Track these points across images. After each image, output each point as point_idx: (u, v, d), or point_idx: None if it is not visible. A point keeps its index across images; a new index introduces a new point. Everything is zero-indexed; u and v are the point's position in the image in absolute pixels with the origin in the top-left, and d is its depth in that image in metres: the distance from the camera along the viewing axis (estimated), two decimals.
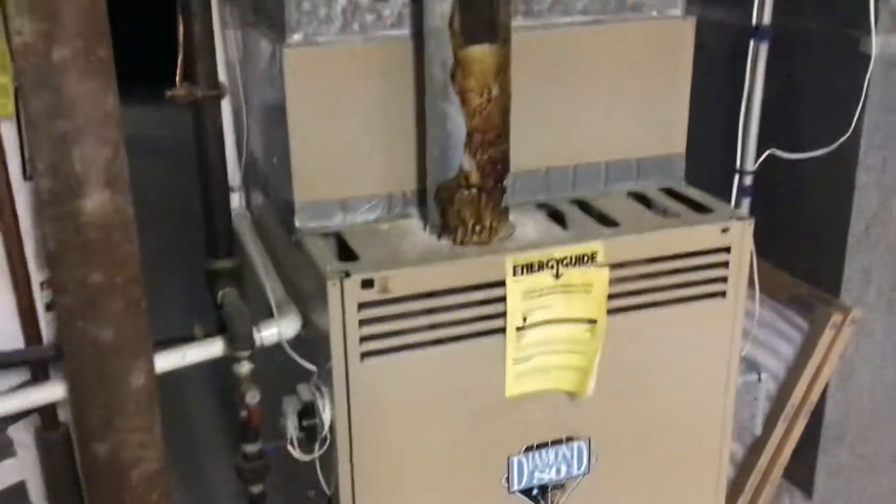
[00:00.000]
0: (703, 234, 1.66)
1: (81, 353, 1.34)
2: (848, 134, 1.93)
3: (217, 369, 1.70)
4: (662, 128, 1.79)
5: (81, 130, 1.20)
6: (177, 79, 1.49)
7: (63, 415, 1.68)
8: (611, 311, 1.60)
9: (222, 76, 1.71)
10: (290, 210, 1.63)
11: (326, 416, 1.53)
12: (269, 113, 1.70)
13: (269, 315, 1.65)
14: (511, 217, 1.64)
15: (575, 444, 1.69)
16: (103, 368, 1.34)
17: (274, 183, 1.76)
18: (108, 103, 1.22)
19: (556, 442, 1.68)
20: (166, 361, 1.55)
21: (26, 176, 1.57)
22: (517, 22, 1.58)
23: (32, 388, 1.57)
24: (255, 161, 1.94)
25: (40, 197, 1.24)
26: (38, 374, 1.62)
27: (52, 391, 1.55)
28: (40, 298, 1.62)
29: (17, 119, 1.53)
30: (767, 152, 2.02)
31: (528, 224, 1.67)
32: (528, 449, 1.66)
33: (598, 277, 1.58)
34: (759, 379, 1.91)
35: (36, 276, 1.60)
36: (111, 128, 1.24)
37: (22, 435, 1.67)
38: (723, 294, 1.70)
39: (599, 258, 1.58)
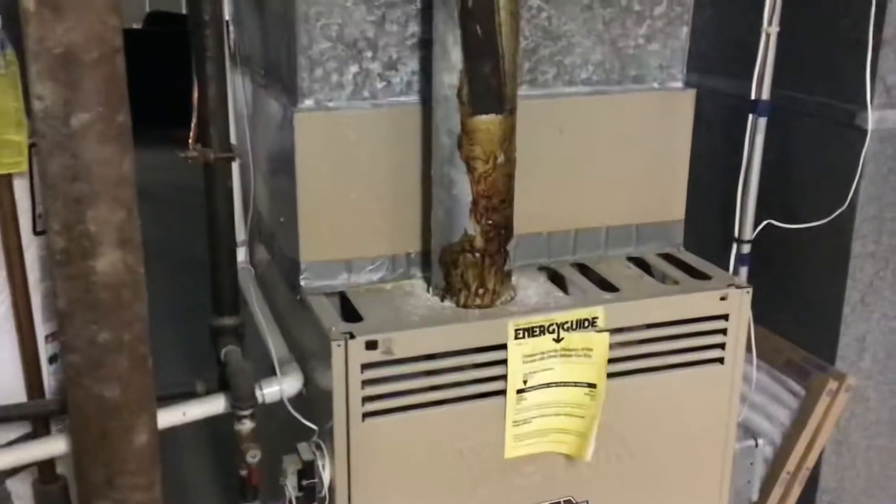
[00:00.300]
0: (702, 301, 1.68)
1: (86, 410, 1.35)
2: (844, 206, 1.97)
3: (210, 421, 1.70)
4: (662, 195, 1.83)
5: (97, 193, 1.23)
6: (190, 141, 1.52)
7: (61, 468, 1.68)
8: (610, 376, 1.62)
9: (232, 136, 1.75)
10: (295, 268, 1.65)
11: (326, 476, 1.54)
12: (277, 173, 1.74)
13: (271, 372, 1.67)
14: (513, 279, 1.66)
15: None
16: (107, 426, 1.35)
17: (280, 241, 1.78)
18: (124, 167, 1.25)
19: None
20: (168, 418, 1.56)
21: (36, 231, 1.59)
22: (522, 91, 1.62)
23: (34, 443, 1.58)
24: (260, 218, 1.97)
25: (54, 257, 1.26)
26: (39, 428, 1.62)
27: (54, 446, 1.56)
28: (44, 351, 1.63)
29: (29, 175, 1.56)
30: (765, 223, 2.06)
31: (530, 287, 1.69)
32: None
33: (599, 342, 1.60)
34: (756, 444, 1.92)
35: (41, 329, 1.62)
36: (126, 190, 1.26)
37: (20, 487, 1.67)
38: (721, 360, 1.72)
39: (600, 323, 1.60)
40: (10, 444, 1.61)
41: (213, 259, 1.68)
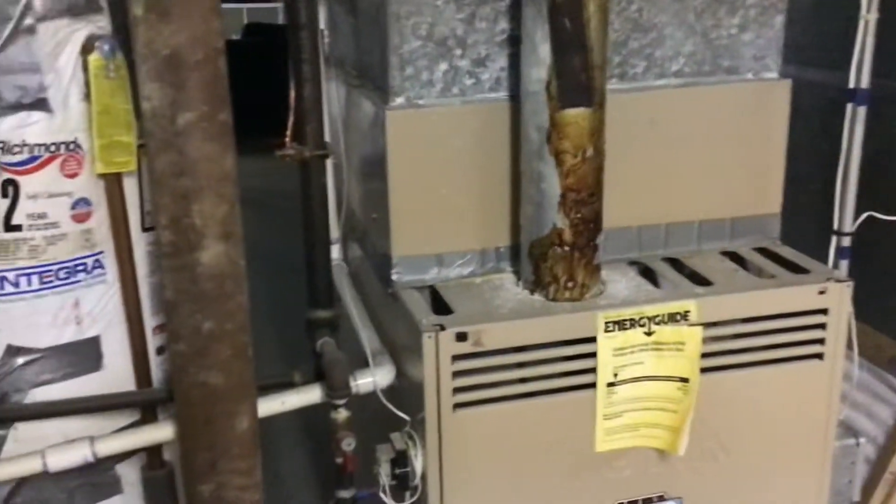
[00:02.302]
0: (799, 296, 1.65)
1: (191, 397, 1.42)
2: None
3: (299, 413, 1.74)
4: (757, 188, 1.79)
5: (202, 188, 1.29)
6: (287, 139, 1.58)
7: (167, 455, 1.76)
8: (704, 370, 1.60)
9: (326, 136, 1.80)
10: (387, 263, 1.69)
11: (418, 465, 1.57)
12: (369, 170, 1.78)
13: (364, 365, 1.71)
14: (603, 274, 1.66)
15: None
16: (211, 412, 1.42)
17: (372, 237, 1.83)
18: (227, 163, 1.31)
19: (647, 500, 1.67)
20: (267, 407, 1.62)
21: (144, 227, 1.67)
22: (612, 85, 1.62)
23: (142, 429, 1.66)
24: (352, 215, 2.02)
25: (161, 249, 1.33)
26: (148, 415, 1.70)
27: (160, 432, 1.63)
28: (152, 343, 1.71)
29: (137, 175, 1.64)
30: (865, 215, 1.99)
31: (619, 281, 1.69)
32: None
33: (691, 336, 1.58)
34: (857, 443, 1.86)
35: (149, 322, 1.70)
36: (228, 185, 1.32)
37: (129, 473, 1.76)
38: (820, 356, 1.68)
39: (692, 317, 1.58)
40: (120, 430, 1.69)
41: (309, 253, 1.74)
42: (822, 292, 1.65)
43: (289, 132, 1.56)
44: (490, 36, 1.62)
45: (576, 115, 1.52)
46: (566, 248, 1.58)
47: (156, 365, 1.72)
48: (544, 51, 1.49)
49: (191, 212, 1.30)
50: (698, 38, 1.70)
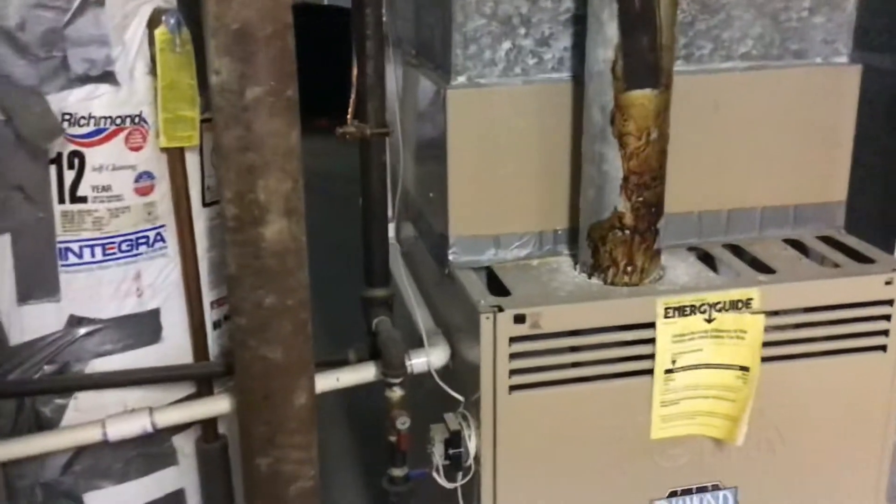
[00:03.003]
0: (864, 285, 1.61)
1: (251, 371, 1.43)
2: None
3: (343, 393, 1.75)
4: (822, 175, 1.76)
5: (267, 163, 1.30)
6: (348, 117, 1.57)
7: (222, 428, 1.78)
8: (764, 360, 1.58)
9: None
10: (443, 244, 1.68)
11: (472, 446, 1.56)
12: (427, 149, 1.77)
13: (418, 344, 1.71)
14: (662, 259, 1.64)
15: (721, 493, 1.66)
16: (270, 386, 1.43)
17: (428, 217, 1.82)
18: (292, 139, 1.31)
19: (702, 489, 1.65)
20: (322, 383, 1.63)
21: (204, 202, 1.69)
22: (677, 66, 1.59)
23: (201, 401, 1.68)
24: (408, 195, 2.02)
25: (226, 223, 1.34)
26: (204, 389, 1.72)
27: (218, 405, 1.65)
28: (209, 317, 1.73)
29: (199, 150, 1.65)
30: None
31: (679, 267, 1.66)
32: (672, 494, 1.64)
33: (753, 324, 1.56)
34: None
35: (207, 296, 1.71)
36: (293, 162, 1.32)
37: (184, 445, 1.78)
38: (883, 348, 1.64)
39: (755, 304, 1.56)
40: (177, 402, 1.71)
41: (367, 231, 1.74)
42: (888, 283, 1.61)
43: (350, 109, 1.56)
44: (554, 15, 1.60)
45: (641, 97, 1.49)
46: (626, 232, 1.56)
47: (213, 339, 1.74)
48: (611, 30, 1.47)
49: (256, 187, 1.31)
50: (767, 21, 1.67)
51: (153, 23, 1.52)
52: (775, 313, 1.59)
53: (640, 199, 1.55)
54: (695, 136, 1.67)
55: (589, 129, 1.56)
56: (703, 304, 1.55)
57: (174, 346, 1.70)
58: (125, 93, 1.53)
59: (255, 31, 1.25)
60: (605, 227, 1.57)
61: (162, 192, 1.61)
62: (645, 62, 1.48)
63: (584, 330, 1.54)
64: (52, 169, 1.52)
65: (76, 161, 1.53)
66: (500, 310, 1.50)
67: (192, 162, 1.64)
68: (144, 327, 1.66)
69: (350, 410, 2.99)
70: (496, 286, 1.63)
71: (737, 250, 1.74)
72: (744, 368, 1.57)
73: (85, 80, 1.49)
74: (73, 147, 1.52)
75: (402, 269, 2.00)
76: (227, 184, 1.32)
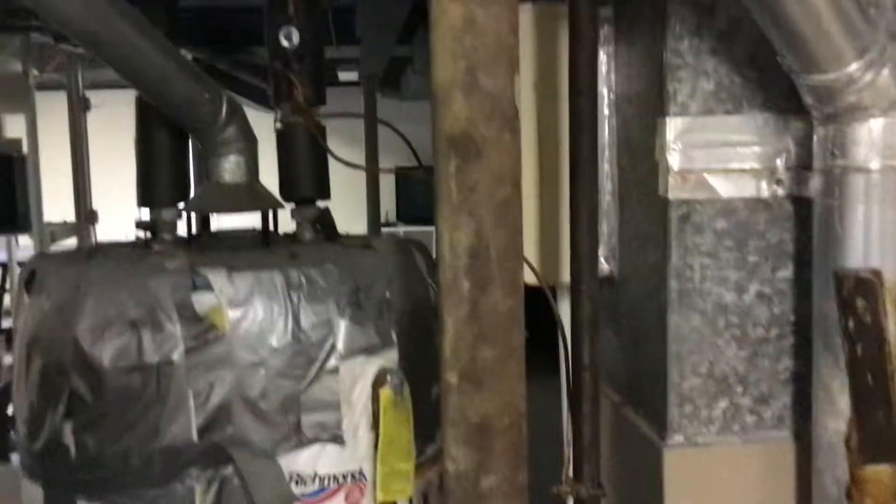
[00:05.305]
0: None
1: None
2: None
3: None
4: None
5: None
6: (563, 476, 1.56)
7: None
8: None
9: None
10: None
11: None
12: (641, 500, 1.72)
13: None
14: None
15: None
16: None
17: None
18: None
19: None
20: None
21: None
22: None
23: None
24: None
25: None
26: None
27: None
28: None
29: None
30: None
31: None
32: None
33: None
34: None
35: None
36: None
37: None
38: None
39: None
40: None
41: None
42: None
43: (569, 468, 1.55)
44: (773, 373, 1.58)
45: (879, 473, 1.42)
46: None
47: None
48: (842, 402, 1.42)
49: None
50: None
51: (378, 382, 1.59)
52: None
53: None
54: None
55: (821, 499, 1.48)
56: None
57: None
58: (349, 450, 1.57)
59: (494, 423, 1.27)
60: None
61: None
62: (881, 438, 1.41)
63: None
64: None
65: None
66: None
67: None
68: None
69: None
70: None
71: None
72: None
73: (314, 441, 1.55)
74: None
75: None
76: None
